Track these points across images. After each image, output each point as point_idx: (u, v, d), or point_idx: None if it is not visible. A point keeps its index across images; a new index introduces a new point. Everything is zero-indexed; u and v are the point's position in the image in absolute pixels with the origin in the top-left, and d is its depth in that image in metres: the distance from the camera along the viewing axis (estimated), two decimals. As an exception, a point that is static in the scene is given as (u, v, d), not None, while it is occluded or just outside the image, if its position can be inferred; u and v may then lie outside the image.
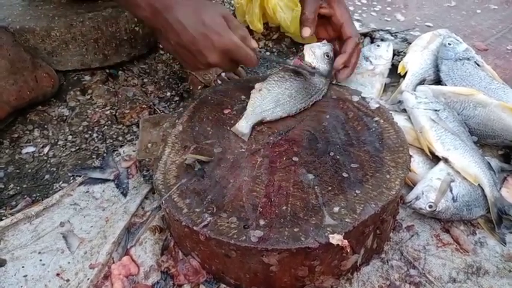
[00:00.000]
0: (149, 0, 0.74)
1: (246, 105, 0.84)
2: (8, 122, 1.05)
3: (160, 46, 1.32)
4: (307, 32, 0.90)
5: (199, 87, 1.07)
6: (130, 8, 0.78)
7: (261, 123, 0.83)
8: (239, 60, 0.80)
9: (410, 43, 1.19)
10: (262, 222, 0.65)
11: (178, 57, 0.81)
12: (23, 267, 0.75)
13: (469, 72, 1.03)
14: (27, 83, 1.03)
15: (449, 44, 1.09)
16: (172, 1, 0.75)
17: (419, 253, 0.78)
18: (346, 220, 0.64)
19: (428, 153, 0.89)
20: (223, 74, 1.10)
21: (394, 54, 1.16)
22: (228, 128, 0.82)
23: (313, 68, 0.89)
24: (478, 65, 1.05)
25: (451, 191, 0.81)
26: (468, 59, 1.06)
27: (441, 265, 0.76)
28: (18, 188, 0.92)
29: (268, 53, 0.85)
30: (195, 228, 0.65)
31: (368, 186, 0.70)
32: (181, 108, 0.89)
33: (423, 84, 1.06)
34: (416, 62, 1.09)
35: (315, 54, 0.90)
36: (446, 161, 0.85)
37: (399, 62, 1.12)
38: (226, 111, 0.87)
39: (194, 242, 0.69)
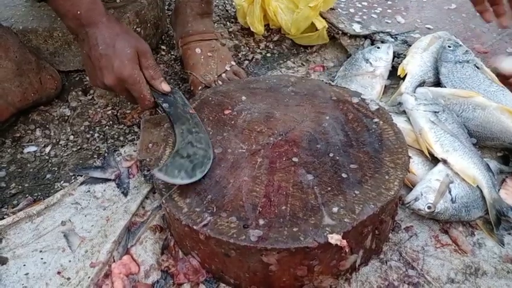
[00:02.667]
0: (75, 13, 0.79)
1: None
2: (11, 122, 1.05)
3: (162, 47, 1.33)
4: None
5: (200, 87, 1.07)
6: (59, 14, 0.83)
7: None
8: (134, 95, 0.84)
9: (410, 45, 1.19)
10: (261, 221, 0.66)
11: (85, 68, 0.87)
12: (24, 265, 0.76)
13: (469, 74, 1.04)
14: (32, 84, 1.04)
15: (449, 46, 1.09)
16: (97, 20, 0.81)
17: (417, 254, 0.78)
18: (345, 220, 0.65)
19: (427, 155, 0.89)
20: (223, 75, 1.10)
21: (394, 56, 1.17)
22: (228, 129, 0.83)
23: None
24: (478, 67, 1.06)
25: (449, 192, 0.82)
26: (468, 61, 1.06)
27: (440, 266, 0.76)
28: (20, 187, 0.93)
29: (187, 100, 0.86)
30: (194, 227, 0.65)
31: (367, 187, 0.70)
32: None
33: (422, 86, 1.06)
34: (415, 64, 1.09)
35: None
36: (445, 162, 0.86)
37: (399, 64, 1.13)
38: (226, 112, 0.87)
39: (194, 241, 0.70)
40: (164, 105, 0.85)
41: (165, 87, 0.85)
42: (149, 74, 0.84)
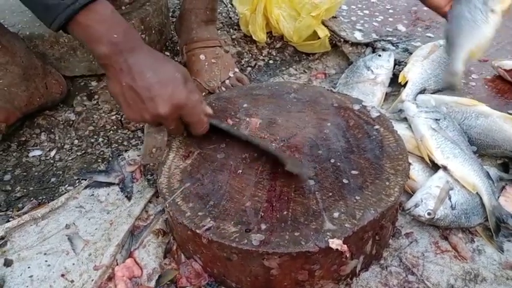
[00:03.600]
0: (111, 38, 0.68)
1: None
2: (16, 126, 1.07)
3: (166, 54, 1.34)
4: None
5: (204, 94, 1.09)
6: (87, 40, 0.69)
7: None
8: (189, 121, 0.76)
9: (411, 53, 1.20)
10: (263, 226, 0.66)
11: (123, 102, 0.73)
12: (29, 267, 0.77)
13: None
14: (38, 89, 1.05)
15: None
16: (136, 45, 0.71)
17: (417, 260, 0.79)
18: (346, 225, 0.66)
19: (428, 161, 0.90)
20: (227, 82, 1.12)
21: (395, 64, 1.18)
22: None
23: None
24: None
25: (449, 198, 0.83)
26: None
27: (440, 272, 0.77)
28: (25, 190, 0.94)
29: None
30: (197, 231, 0.66)
31: (367, 193, 0.71)
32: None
33: (423, 93, 1.08)
34: (416, 72, 1.10)
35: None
36: (445, 169, 0.87)
37: (400, 71, 1.14)
38: (229, 118, 0.88)
39: (196, 245, 0.71)
40: (216, 122, 0.81)
41: (209, 109, 0.79)
42: (195, 97, 0.76)
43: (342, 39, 1.33)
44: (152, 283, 0.75)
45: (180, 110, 0.73)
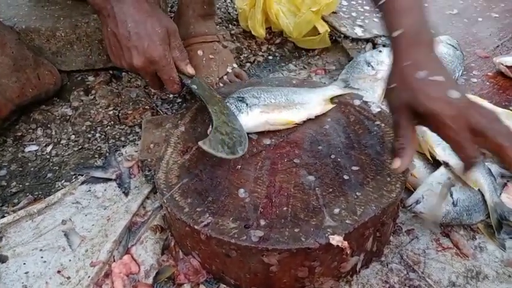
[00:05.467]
0: None
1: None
2: (12, 121, 1.06)
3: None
4: (397, 163, 0.63)
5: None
6: None
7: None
8: (161, 78, 0.79)
9: (412, 49, 1.19)
10: (263, 222, 0.65)
11: (108, 46, 0.80)
12: (24, 263, 0.76)
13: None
14: (29, 80, 1.04)
15: None
16: None
17: (418, 257, 0.78)
18: (346, 221, 0.65)
19: (429, 158, 0.89)
20: (225, 77, 1.11)
21: (396, 60, 1.17)
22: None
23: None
24: None
25: (451, 195, 0.82)
26: None
27: (441, 269, 0.76)
28: (20, 185, 0.93)
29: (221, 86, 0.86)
30: (195, 227, 0.65)
31: (368, 189, 0.70)
32: (183, 110, 0.90)
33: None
34: (417, 68, 1.09)
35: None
36: (446, 165, 0.86)
37: (401, 67, 1.13)
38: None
39: (195, 242, 0.70)
40: (193, 86, 0.84)
41: (190, 69, 0.82)
42: (176, 55, 0.81)
43: (342, 35, 1.32)
44: (150, 280, 0.74)
45: (153, 65, 0.76)
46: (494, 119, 0.59)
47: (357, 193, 0.69)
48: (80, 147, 1.02)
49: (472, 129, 0.58)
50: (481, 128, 0.58)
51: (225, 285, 0.73)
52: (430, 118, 0.60)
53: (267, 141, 0.80)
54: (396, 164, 0.63)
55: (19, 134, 1.05)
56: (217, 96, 0.84)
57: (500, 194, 0.87)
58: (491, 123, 0.58)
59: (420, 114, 0.60)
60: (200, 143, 0.69)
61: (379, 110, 0.87)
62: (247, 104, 0.80)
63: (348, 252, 0.64)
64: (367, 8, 1.46)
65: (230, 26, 1.47)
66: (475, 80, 1.15)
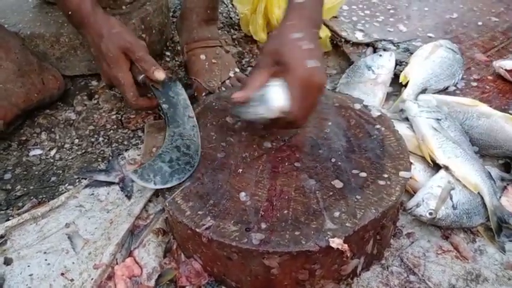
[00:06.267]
0: (68, 15, 0.84)
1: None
2: (17, 125, 1.07)
3: (166, 54, 1.34)
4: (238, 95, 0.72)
5: (204, 94, 1.09)
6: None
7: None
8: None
9: (412, 53, 1.20)
10: (263, 225, 0.66)
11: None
12: (28, 266, 0.77)
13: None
14: (34, 85, 1.05)
15: None
16: (84, 21, 0.83)
17: (419, 260, 0.79)
18: (346, 225, 0.65)
19: (429, 161, 0.90)
20: (227, 81, 1.12)
21: (396, 64, 1.18)
22: (231, 134, 0.84)
23: None
24: None
25: (451, 198, 0.82)
26: None
27: (441, 272, 0.77)
28: (25, 189, 0.94)
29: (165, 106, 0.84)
30: (197, 230, 0.66)
31: (368, 192, 0.71)
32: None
33: (424, 93, 1.07)
34: (417, 72, 1.10)
35: None
36: (446, 169, 0.86)
37: (401, 71, 1.14)
38: (229, 117, 0.88)
39: (196, 244, 0.71)
40: (164, 106, 0.84)
41: (158, 75, 0.83)
42: (141, 67, 0.84)
43: (343, 39, 1.33)
44: (152, 282, 0.75)
45: (114, 86, 0.86)
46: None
47: (357, 196, 0.70)
48: (83, 151, 1.03)
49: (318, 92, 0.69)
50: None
51: (226, 288, 0.74)
52: (286, 69, 0.68)
53: (268, 145, 0.81)
54: (238, 95, 0.72)
55: (24, 138, 1.06)
56: (188, 115, 0.84)
57: (500, 197, 0.87)
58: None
59: (280, 62, 0.69)
60: (129, 173, 0.73)
61: (379, 113, 0.87)
62: None
63: (349, 255, 0.64)
64: (368, 12, 1.47)
65: (232, 30, 1.48)
66: (475, 84, 1.15)
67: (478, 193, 0.84)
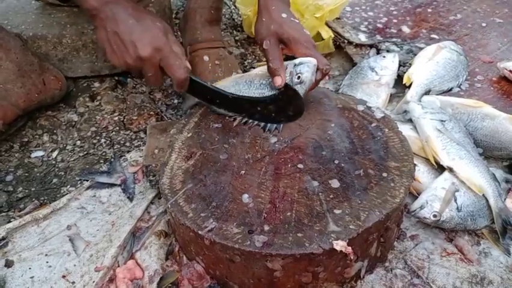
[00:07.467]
0: None
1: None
2: (18, 127, 1.07)
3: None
4: (278, 80, 0.81)
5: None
6: None
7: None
8: (167, 66, 0.80)
9: (416, 54, 1.20)
10: (266, 227, 0.66)
11: (108, 48, 0.80)
12: (30, 268, 0.76)
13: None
14: (35, 85, 1.05)
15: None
16: None
17: (423, 262, 0.78)
18: (350, 227, 0.65)
19: (433, 163, 0.89)
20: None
21: (399, 65, 1.18)
22: (234, 135, 0.83)
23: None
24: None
25: (455, 200, 0.82)
26: None
27: (446, 274, 0.76)
28: (26, 191, 0.94)
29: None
30: (200, 232, 0.66)
31: (372, 194, 0.70)
32: (188, 115, 0.91)
33: (428, 95, 1.07)
34: (421, 73, 1.10)
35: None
36: (451, 170, 0.86)
37: (405, 73, 1.13)
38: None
39: (199, 247, 0.70)
40: (197, 78, 0.85)
41: (187, 64, 0.82)
42: (175, 48, 0.81)
43: (346, 41, 1.32)
44: (154, 285, 0.75)
45: (159, 54, 0.78)
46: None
47: (361, 198, 0.69)
48: (85, 152, 1.03)
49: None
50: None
51: (228, 291, 0.73)
52: (291, 42, 0.83)
53: (270, 147, 0.80)
54: (278, 81, 0.81)
55: (25, 139, 1.06)
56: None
57: (505, 199, 0.86)
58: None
59: (283, 40, 0.83)
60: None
61: (383, 115, 0.87)
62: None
63: (352, 257, 0.64)
64: (371, 13, 1.47)
65: (234, 32, 1.48)
66: (479, 85, 1.14)
67: (483, 195, 0.83)
